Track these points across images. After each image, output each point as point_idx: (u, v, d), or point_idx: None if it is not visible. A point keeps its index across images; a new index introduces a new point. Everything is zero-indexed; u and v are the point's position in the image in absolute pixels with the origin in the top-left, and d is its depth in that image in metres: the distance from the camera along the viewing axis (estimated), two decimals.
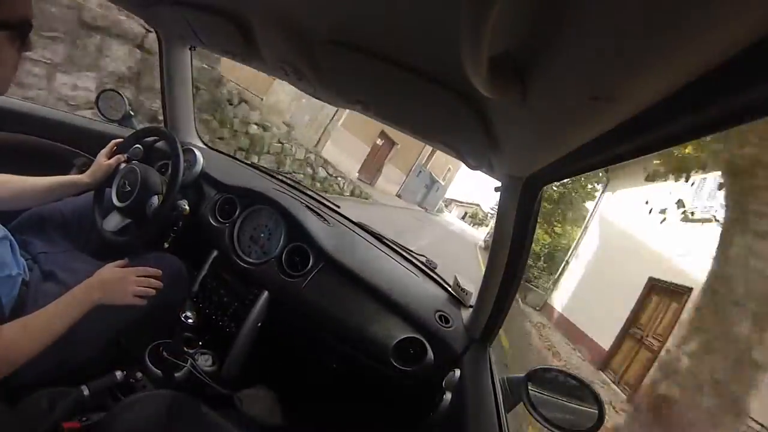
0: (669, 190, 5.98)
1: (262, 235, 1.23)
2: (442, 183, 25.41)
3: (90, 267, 0.95)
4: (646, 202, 6.60)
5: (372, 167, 14.77)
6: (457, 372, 0.91)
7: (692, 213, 5.90)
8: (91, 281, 0.85)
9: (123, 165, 1.14)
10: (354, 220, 1.48)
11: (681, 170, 3.68)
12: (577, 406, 0.84)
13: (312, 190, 1.56)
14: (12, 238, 0.81)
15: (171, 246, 1.21)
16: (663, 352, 4.88)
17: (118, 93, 1.39)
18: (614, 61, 0.31)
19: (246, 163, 1.63)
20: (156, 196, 1.11)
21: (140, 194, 1.08)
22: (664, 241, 6.65)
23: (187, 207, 1.16)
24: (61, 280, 0.88)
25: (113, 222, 1.11)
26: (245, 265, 1.18)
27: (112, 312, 0.86)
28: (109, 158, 1.14)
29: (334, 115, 9.91)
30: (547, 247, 13.12)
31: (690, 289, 5.67)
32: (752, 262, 2.70)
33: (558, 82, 0.38)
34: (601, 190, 10.94)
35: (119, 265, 0.92)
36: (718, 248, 2.95)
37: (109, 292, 0.86)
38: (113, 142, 1.17)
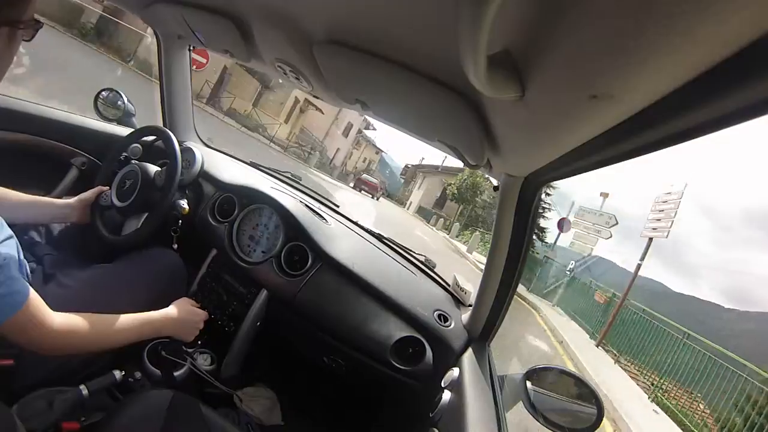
0: None
1: (261, 234, 1.23)
2: None
3: (92, 271, 0.96)
4: None
5: None
6: (456, 371, 0.91)
7: None
8: (171, 316, 0.89)
9: (106, 193, 1.13)
10: (353, 219, 1.48)
11: None
12: (576, 405, 0.84)
13: (311, 189, 1.56)
14: (17, 240, 0.81)
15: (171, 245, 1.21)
16: None
17: (117, 92, 1.38)
18: (613, 59, 0.31)
19: (245, 162, 1.63)
20: (159, 190, 1.12)
21: (143, 186, 1.08)
22: None
23: (186, 206, 1.16)
24: (64, 284, 0.88)
25: (130, 228, 1.11)
26: (244, 265, 1.18)
27: (110, 311, 0.87)
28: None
29: None
30: None
31: None
32: None
33: (557, 80, 0.38)
34: None
35: (194, 304, 0.97)
36: None
37: (180, 332, 0.92)
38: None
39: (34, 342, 0.64)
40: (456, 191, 22.25)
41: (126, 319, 0.78)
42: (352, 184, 22.99)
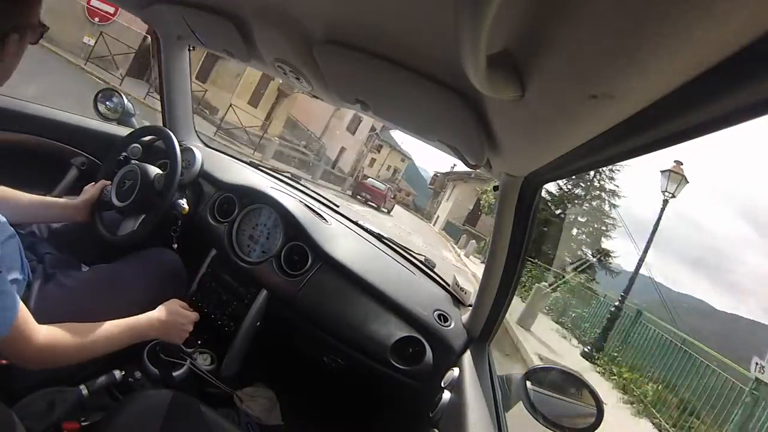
0: None
1: (261, 234, 1.23)
2: None
3: (92, 271, 0.96)
4: None
5: None
6: (456, 371, 0.91)
7: None
8: (156, 318, 0.86)
9: (107, 189, 1.13)
10: (353, 219, 1.48)
11: None
12: (576, 405, 0.84)
13: (312, 189, 1.56)
14: (18, 238, 0.81)
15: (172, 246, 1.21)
16: None
17: (117, 92, 1.39)
18: (613, 58, 0.31)
19: (245, 162, 1.63)
20: (158, 193, 1.11)
21: (142, 187, 1.08)
22: None
23: (186, 206, 1.16)
24: (64, 283, 0.88)
25: (127, 228, 1.11)
26: (244, 265, 1.18)
27: (110, 312, 0.87)
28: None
29: None
30: None
31: None
32: None
33: (557, 80, 0.38)
34: None
35: (183, 306, 0.93)
36: None
37: (167, 335, 0.88)
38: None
39: (19, 357, 0.62)
40: (493, 201, 15.76)
41: (110, 326, 0.76)
42: (350, 191, 17.87)
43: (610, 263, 13.22)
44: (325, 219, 1.29)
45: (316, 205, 1.39)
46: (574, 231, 14.90)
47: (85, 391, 0.81)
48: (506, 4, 0.25)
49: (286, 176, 1.60)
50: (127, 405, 0.73)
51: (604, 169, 14.66)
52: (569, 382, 0.88)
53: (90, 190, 1.11)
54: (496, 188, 0.84)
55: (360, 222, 1.46)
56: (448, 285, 1.31)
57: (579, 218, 15.13)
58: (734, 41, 0.26)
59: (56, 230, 1.09)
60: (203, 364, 1.11)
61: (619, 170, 15.22)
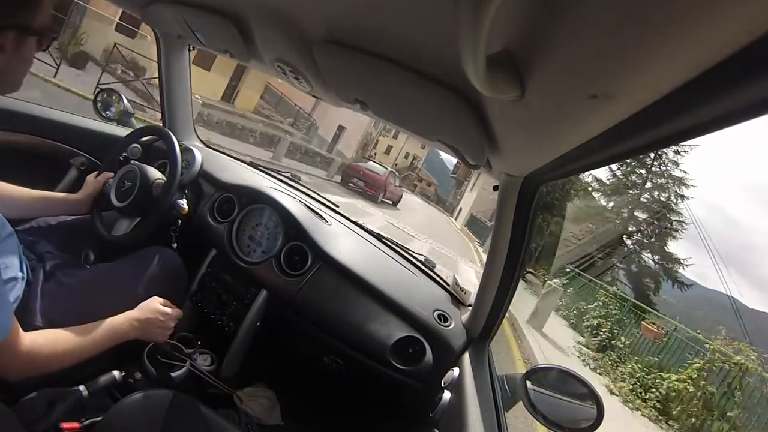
0: None
1: (261, 234, 1.22)
2: None
3: (92, 270, 0.96)
4: None
5: None
6: (456, 371, 0.91)
7: None
8: (135, 317, 0.84)
9: (109, 183, 1.13)
10: (353, 219, 1.48)
11: None
12: (576, 405, 0.84)
13: (312, 189, 1.56)
14: (17, 237, 0.81)
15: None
16: None
17: (117, 92, 1.39)
18: (613, 58, 0.31)
19: (245, 162, 1.63)
20: (155, 199, 1.11)
21: (140, 191, 1.08)
22: None
23: (185, 206, 1.16)
24: (63, 283, 0.88)
25: (121, 228, 1.11)
26: (244, 265, 1.18)
27: (111, 311, 0.87)
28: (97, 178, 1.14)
29: None
30: None
31: None
32: None
33: (556, 80, 0.38)
34: None
35: (164, 304, 0.91)
36: None
37: (147, 334, 0.87)
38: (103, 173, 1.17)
39: (3, 368, 0.62)
40: None
41: (90, 330, 0.76)
42: (339, 178, 13.36)
43: (677, 272, 10.78)
44: (325, 219, 1.30)
45: (316, 206, 1.39)
46: (631, 228, 12.06)
47: (85, 392, 0.80)
48: (506, 4, 0.25)
49: (285, 176, 1.60)
50: (126, 405, 0.73)
51: (667, 150, 11.60)
52: (569, 382, 0.88)
53: (92, 182, 1.11)
54: (495, 188, 0.84)
55: (360, 222, 1.46)
56: (448, 285, 1.31)
57: (636, 213, 12.07)
58: (734, 41, 0.26)
59: (56, 228, 1.09)
60: (203, 365, 1.11)
61: (686, 152, 11.98)
